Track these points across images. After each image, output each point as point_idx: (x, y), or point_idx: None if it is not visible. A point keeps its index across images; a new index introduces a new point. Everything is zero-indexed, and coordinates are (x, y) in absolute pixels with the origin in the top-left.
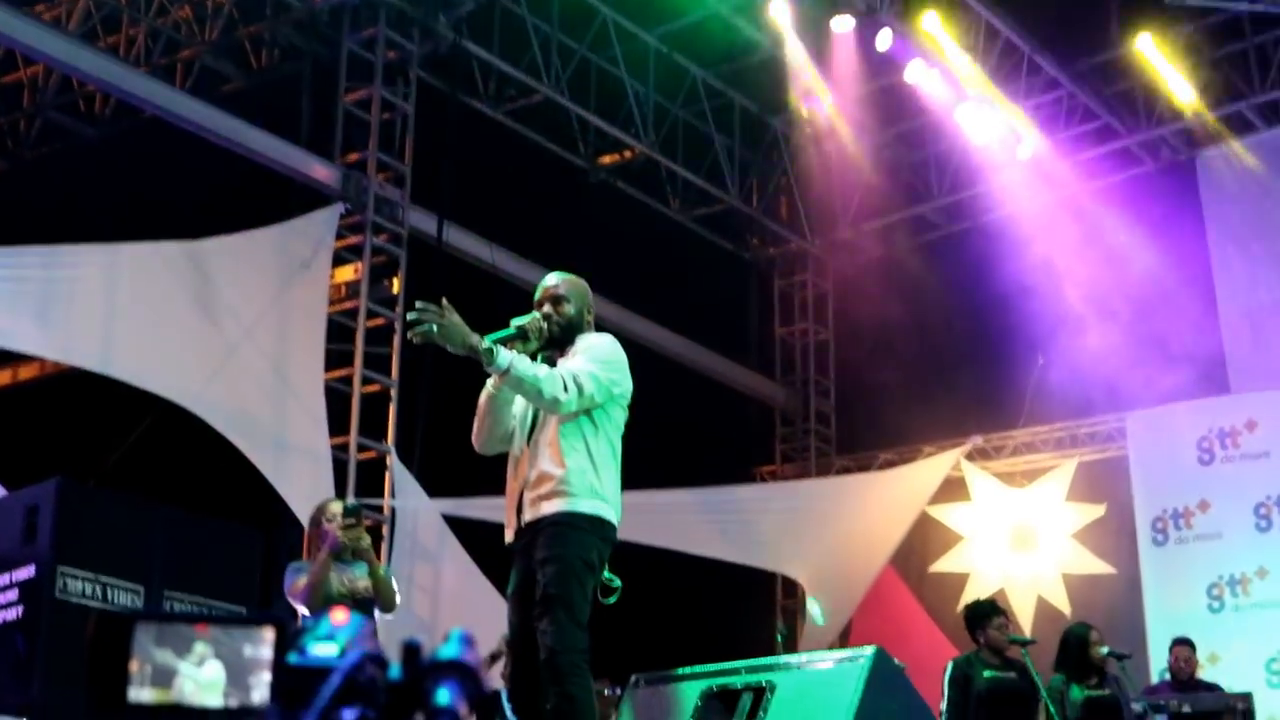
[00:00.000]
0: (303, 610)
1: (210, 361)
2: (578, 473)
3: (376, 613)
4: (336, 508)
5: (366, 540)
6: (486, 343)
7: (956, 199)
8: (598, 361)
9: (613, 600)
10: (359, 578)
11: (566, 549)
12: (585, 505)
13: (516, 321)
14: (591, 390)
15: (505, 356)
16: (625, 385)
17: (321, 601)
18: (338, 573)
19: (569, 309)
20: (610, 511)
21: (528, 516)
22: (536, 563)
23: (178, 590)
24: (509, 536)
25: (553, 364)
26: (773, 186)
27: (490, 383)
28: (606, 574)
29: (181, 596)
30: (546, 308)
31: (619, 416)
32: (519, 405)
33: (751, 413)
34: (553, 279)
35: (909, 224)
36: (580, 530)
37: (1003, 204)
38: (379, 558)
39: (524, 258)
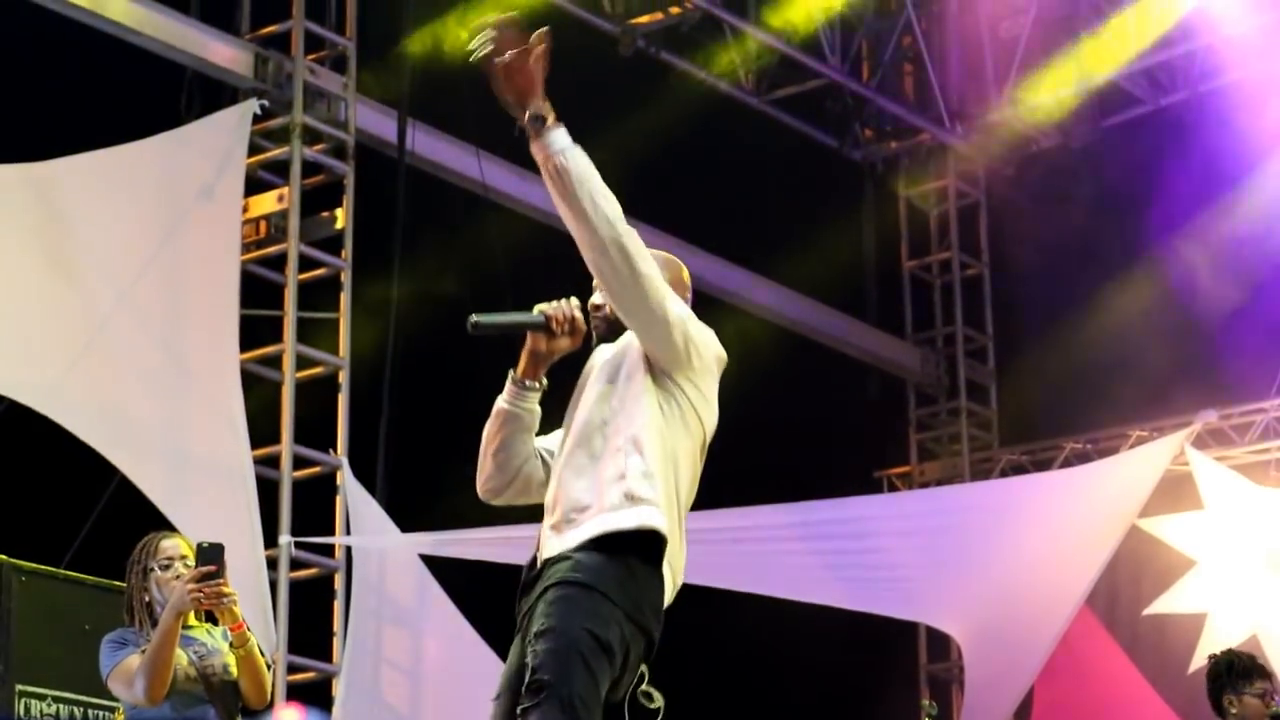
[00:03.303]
0: (132, 703)
1: (69, 340)
2: (610, 480)
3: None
4: (174, 546)
5: (232, 598)
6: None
7: (1163, 60)
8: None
9: None
10: (215, 652)
11: (572, 615)
12: (619, 519)
13: (541, 308)
14: (661, 293)
15: (562, 135)
16: (709, 357)
17: (164, 690)
18: (185, 645)
19: None
20: (658, 517)
21: (543, 553)
22: (530, 638)
23: (37, 684)
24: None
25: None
26: (892, 50)
27: (505, 396)
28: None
29: (42, 693)
30: (596, 297)
31: (691, 414)
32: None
33: (872, 388)
34: None
35: (1096, 98)
36: (605, 572)
37: (1234, 63)
38: (333, 618)
39: (530, 172)
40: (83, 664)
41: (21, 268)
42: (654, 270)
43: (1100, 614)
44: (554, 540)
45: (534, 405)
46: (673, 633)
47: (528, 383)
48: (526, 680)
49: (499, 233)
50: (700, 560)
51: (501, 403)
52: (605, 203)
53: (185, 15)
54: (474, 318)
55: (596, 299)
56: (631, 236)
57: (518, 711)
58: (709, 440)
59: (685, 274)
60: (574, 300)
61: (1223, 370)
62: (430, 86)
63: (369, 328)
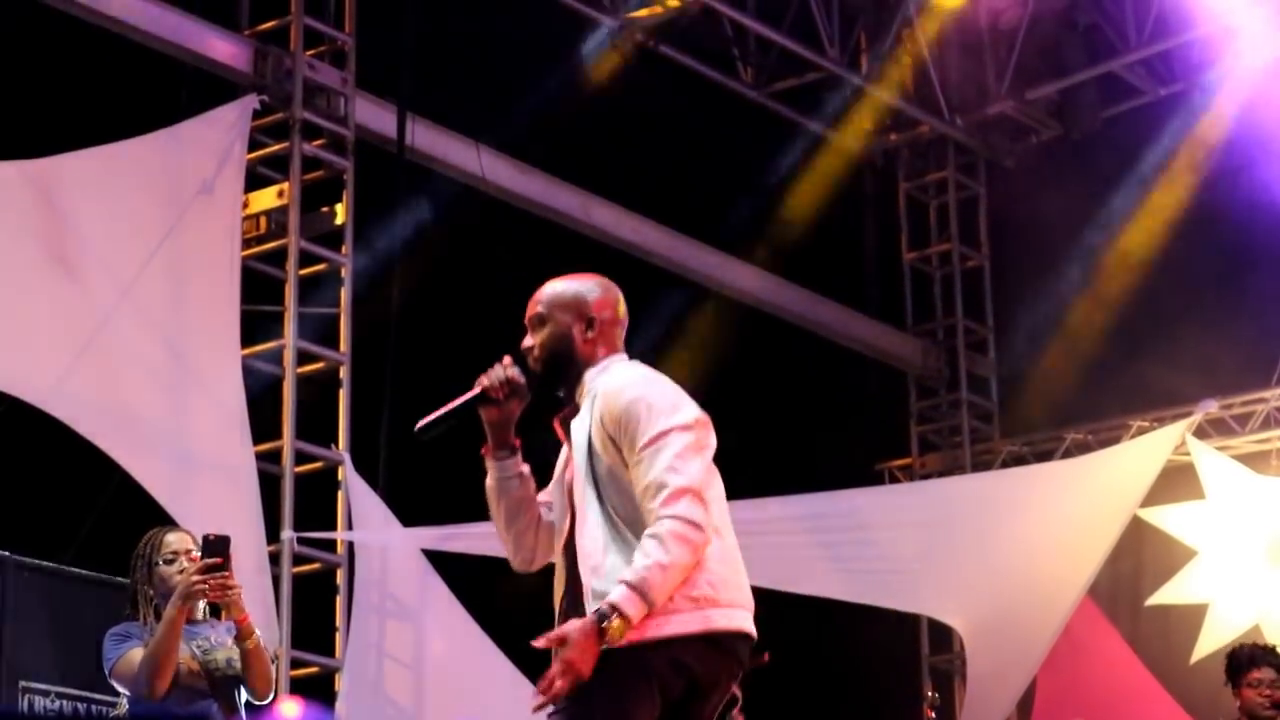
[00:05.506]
0: (135, 696)
1: (71, 338)
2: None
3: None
4: (178, 541)
5: (237, 590)
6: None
7: (1164, 48)
8: (656, 425)
9: None
10: (218, 647)
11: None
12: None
13: (479, 381)
14: (696, 480)
15: (622, 602)
16: (692, 414)
17: (167, 683)
18: (188, 640)
19: (549, 331)
20: (736, 615)
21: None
22: None
23: (39, 680)
24: None
25: (565, 406)
26: (891, 43)
27: (489, 476)
28: None
29: (45, 689)
30: (526, 339)
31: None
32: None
33: (872, 380)
34: (536, 296)
35: (1096, 89)
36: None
37: (1233, 53)
38: (336, 613)
39: (529, 165)
40: (85, 659)
41: (21, 265)
42: (691, 495)
43: (1102, 605)
44: None
45: (518, 469)
46: None
47: (499, 453)
48: None
49: (499, 225)
50: None
51: (489, 482)
52: (675, 554)
53: (184, 11)
54: (419, 425)
55: (527, 341)
56: (681, 538)
57: None
58: None
59: (596, 293)
60: (506, 359)
61: (1223, 359)
62: (429, 81)
63: (370, 322)
